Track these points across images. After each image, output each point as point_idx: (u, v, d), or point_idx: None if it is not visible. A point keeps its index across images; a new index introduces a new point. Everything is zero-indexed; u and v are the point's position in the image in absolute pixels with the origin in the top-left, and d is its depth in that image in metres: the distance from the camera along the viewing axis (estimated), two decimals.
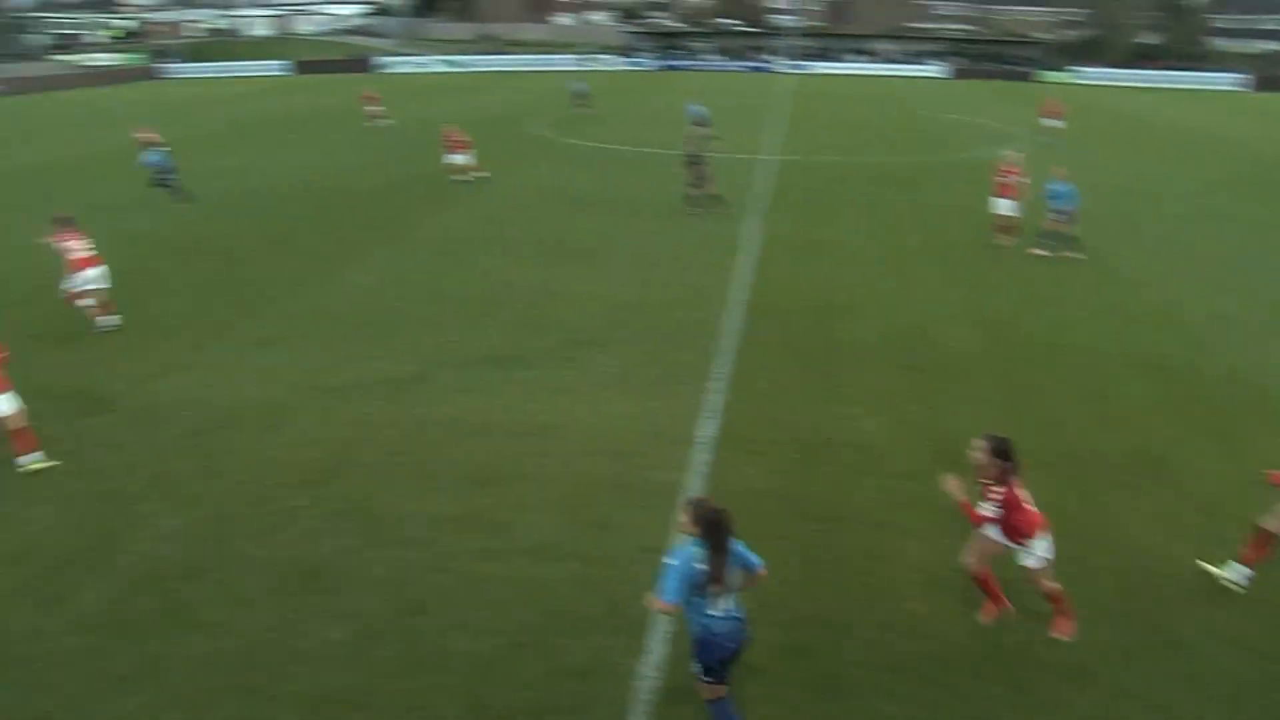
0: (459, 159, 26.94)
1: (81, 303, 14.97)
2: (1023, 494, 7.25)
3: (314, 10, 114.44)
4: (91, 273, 14.80)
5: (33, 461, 10.46)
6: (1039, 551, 7.35)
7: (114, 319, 15.14)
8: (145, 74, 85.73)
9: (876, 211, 23.73)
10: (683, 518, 6.08)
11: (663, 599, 5.88)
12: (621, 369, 13.10)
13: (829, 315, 15.56)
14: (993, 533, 7.39)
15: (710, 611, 5.99)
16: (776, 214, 23.03)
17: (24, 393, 12.10)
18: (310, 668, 7.27)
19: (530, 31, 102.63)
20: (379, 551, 8.74)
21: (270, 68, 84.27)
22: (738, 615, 6.12)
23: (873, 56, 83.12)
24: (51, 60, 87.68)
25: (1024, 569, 7.49)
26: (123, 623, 7.84)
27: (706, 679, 6.23)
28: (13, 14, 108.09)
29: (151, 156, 24.97)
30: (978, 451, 7.28)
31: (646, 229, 21.15)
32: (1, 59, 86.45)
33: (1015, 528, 7.28)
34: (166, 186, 24.83)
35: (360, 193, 26.02)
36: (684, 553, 5.93)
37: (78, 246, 14.82)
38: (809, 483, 10.07)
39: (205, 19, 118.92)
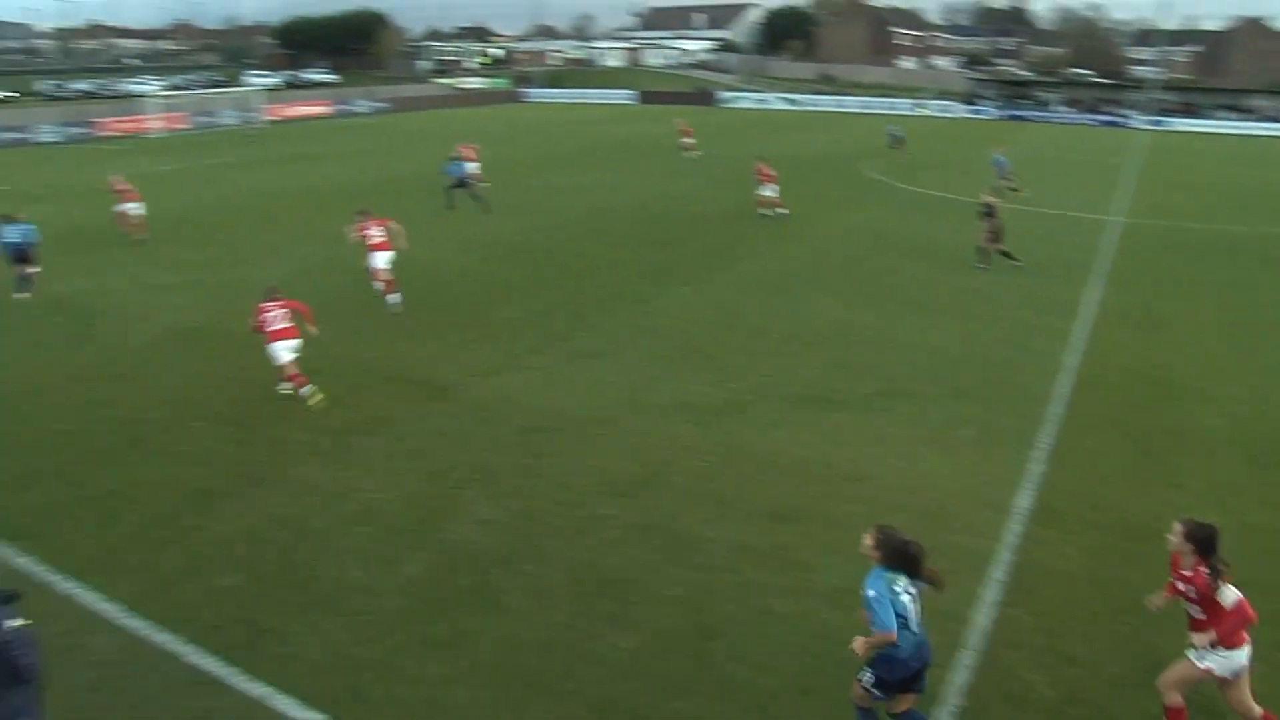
0: (768, 192, 27.25)
1: (376, 281, 17.71)
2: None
3: (664, 44, 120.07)
4: (381, 256, 17.42)
5: (312, 395, 12.89)
6: (1222, 663, 6.30)
7: (397, 297, 17.50)
8: (510, 97, 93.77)
9: (1234, 286, 21.24)
10: (867, 541, 6.18)
11: (884, 629, 5.95)
12: (937, 423, 12.55)
13: (1168, 394, 14.09)
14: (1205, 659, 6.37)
15: (910, 629, 6.10)
16: (1120, 280, 21.22)
17: (378, 377, 13.83)
18: (598, 671, 7.49)
19: (872, 74, 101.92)
20: (677, 571, 8.88)
21: (618, 96, 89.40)
22: (921, 636, 6.20)
23: (1248, 114, 74.98)
24: (433, 82, 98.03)
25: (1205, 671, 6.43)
26: (439, 595, 8.51)
27: (875, 691, 6.27)
28: (409, 43, 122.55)
29: (454, 168, 28.33)
30: (1174, 536, 6.38)
31: (977, 282, 20.22)
32: (396, 81, 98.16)
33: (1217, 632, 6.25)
34: (456, 195, 28.15)
35: (690, 219, 26.91)
36: (878, 581, 6.06)
37: (375, 233, 17.46)
38: (1128, 572, 9.09)
39: (565, 49, 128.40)
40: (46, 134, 54.81)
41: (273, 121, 66.12)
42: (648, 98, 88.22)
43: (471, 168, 29.53)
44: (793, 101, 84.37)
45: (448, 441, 11.78)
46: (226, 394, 13.49)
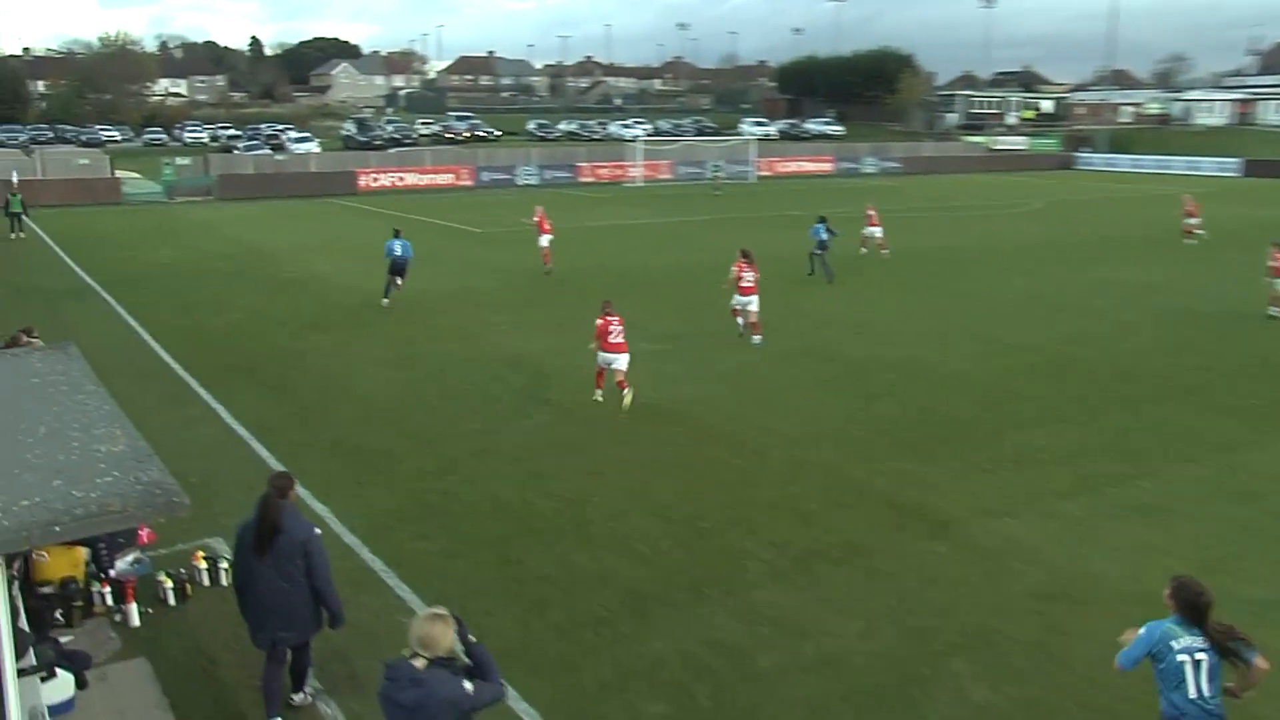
0: None
1: (737, 317, 23.19)
2: None
3: None
4: (746, 299, 22.87)
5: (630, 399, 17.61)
6: None
7: (759, 338, 22.80)
8: (1060, 162, 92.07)
9: None
10: (1165, 591, 7.34)
11: (1118, 661, 7.33)
12: None
13: None
14: None
15: (1186, 695, 6.88)
16: None
17: (858, 494, 14.18)
18: None
19: None
20: None
21: (1210, 166, 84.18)
22: (1211, 706, 6.86)
23: None
24: (960, 140, 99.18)
25: None
26: None
27: None
28: (935, 91, 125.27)
29: (819, 230, 31.83)
30: None
31: None
32: (913, 136, 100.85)
33: None
34: (819, 258, 31.84)
35: None
36: (1157, 626, 7.18)
37: (747, 276, 22.76)
38: None
39: (1142, 101, 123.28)
40: (527, 176, 63.50)
41: (763, 177, 70.72)
42: (1255, 169, 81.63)
43: (875, 233, 36.62)
44: None
45: (939, 591, 11.53)
46: (680, 485, 14.43)
